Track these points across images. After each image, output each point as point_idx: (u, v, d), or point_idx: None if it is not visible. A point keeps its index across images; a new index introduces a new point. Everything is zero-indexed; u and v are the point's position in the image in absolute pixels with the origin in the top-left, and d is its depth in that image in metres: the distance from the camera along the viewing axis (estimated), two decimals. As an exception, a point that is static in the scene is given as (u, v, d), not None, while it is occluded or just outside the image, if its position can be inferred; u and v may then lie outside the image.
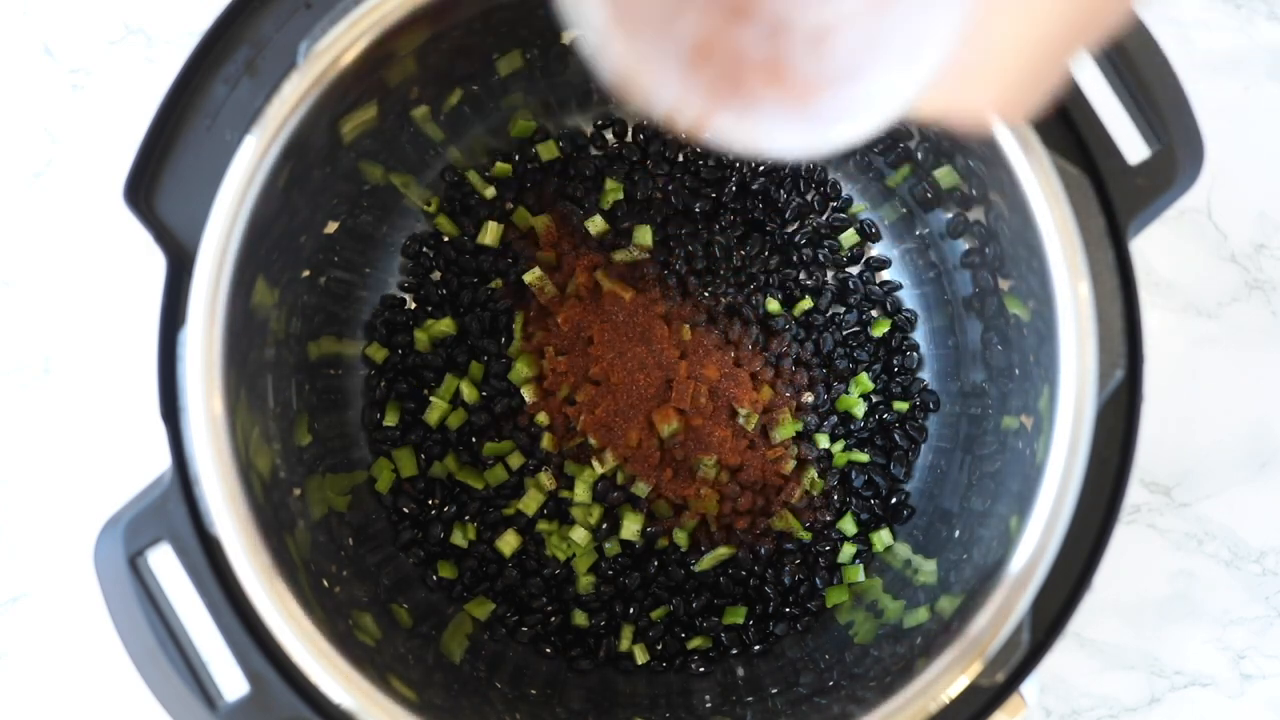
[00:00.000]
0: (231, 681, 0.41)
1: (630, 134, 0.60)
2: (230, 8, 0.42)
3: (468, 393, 0.57)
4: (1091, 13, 0.24)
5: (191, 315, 0.40)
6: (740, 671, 0.55)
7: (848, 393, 0.58)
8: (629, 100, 0.28)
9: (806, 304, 0.59)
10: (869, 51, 0.26)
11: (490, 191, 0.59)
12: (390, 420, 0.56)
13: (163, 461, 0.41)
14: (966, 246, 0.52)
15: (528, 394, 0.58)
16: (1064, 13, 0.24)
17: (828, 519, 0.58)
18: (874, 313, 0.59)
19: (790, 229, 0.60)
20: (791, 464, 0.58)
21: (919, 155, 0.52)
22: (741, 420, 0.58)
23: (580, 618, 0.56)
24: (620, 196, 0.59)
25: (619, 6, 0.25)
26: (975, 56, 0.25)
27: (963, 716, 0.42)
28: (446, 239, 0.59)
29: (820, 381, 0.59)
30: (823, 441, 0.58)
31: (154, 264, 0.41)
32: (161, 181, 0.42)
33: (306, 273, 0.50)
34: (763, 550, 0.57)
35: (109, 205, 0.61)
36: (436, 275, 0.59)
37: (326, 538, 0.49)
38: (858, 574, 0.57)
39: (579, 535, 0.57)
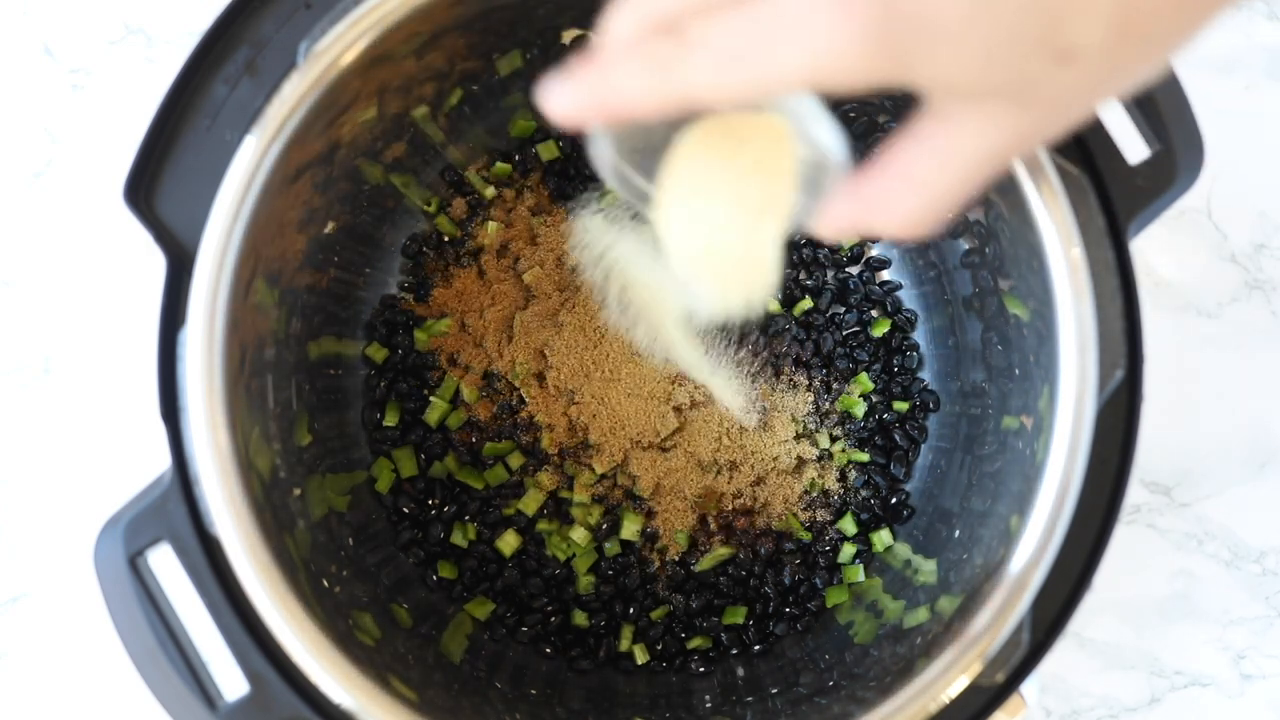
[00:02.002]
0: (231, 681, 0.41)
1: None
2: (230, 8, 0.42)
3: (467, 393, 0.57)
4: (1006, 152, 0.28)
5: (191, 315, 0.40)
6: (740, 671, 0.55)
7: (848, 393, 0.59)
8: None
9: (806, 304, 0.59)
10: None
11: (490, 191, 0.59)
12: (390, 420, 0.56)
13: (163, 461, 0.41)
14: (966, 246, 0.52)
15: (528, 394, 0.58)
16: (982, 155, 0.28)
17: (828, 519, 0.58)
18: (874, 313, 0.59)
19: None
20: (791, 464, 0.58)
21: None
22: (741, 420, 0.58)
23: (580, 618, 0.56)
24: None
25: None
26: (885, 190, 0.29)
27: (963, 716, 0.42)
28: (446, 239, 0.59)
29: (820, 381, 0.59)
30: (823, 441, 0.58)
31: (154, 264, 0.41)
32: (161, 181, 0.42)
33: (306, 273, 0.50)
34: (763, 550, 0.57)
35: (109, 205, 0.61)
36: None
37: (326, 538, 0.49)
38: (858, 574, 0.57)
39: (579, 535, 0.57)
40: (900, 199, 0.29)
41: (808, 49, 0.25)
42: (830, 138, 0.34)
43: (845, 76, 0.25)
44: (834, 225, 0.30)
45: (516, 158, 0.59)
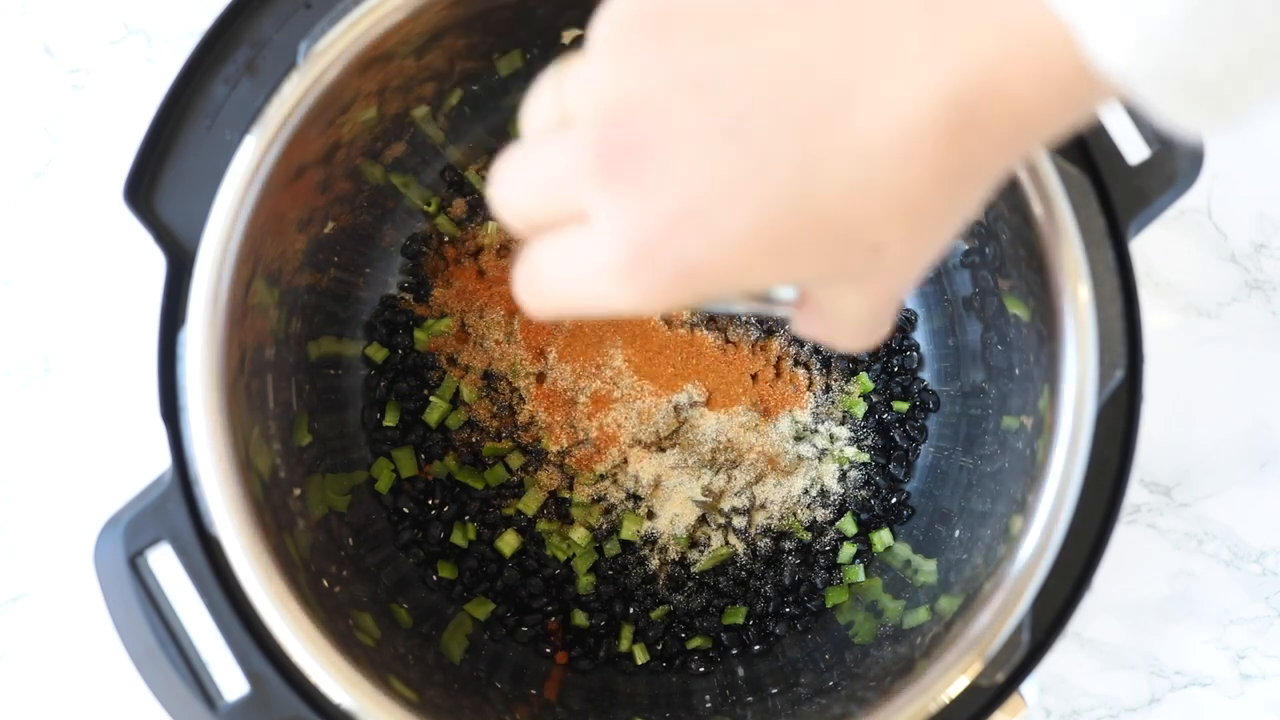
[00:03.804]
0: (231, 681, 0.41)
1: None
2: (230, 8, 0.42)
3: (467, 393, 0.57)
4: (880, 314, 0.29)
5: (191, 315, 0.40)
6: (740, 671, 0.55)
7: (848, 393, 0.59)
8: None
9: (806, 304, 0.59)
10: None
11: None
12: (390, 420, 0.56)
13: (163, 461, 0.41)
14: (966, 246, 0.52)
15: (528, 394, 0.58)
16: (858, 319, 0.30)
17: (828, 519, 0.58)
18: (874, 313, 0.59)
19: (790, 229, 0.60)
20: (791, 463, 0.58)
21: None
22: (741, 420, 0.58)
23: (580, 618, 0.56)
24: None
25: None
26: (813, 329, 0.31)
27: (963, 716, 0.42)
28: (446, 239, 0.59)
29: (820, 381, 0.59)
30: (822, 441, 0.58)
31: (154, 264, 0.41)
32: (161, 181, 0.42)
33: (306, 273, 0.50)
34: (763, 550, 0.57)
35: (109, 205, 0.61)
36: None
37: (326, 538, 0.49)
38: (858, 574, 0.57)
39: (579, 535, 0.57)
40: (829, 338, 0.31)
41: (618, 301, 0.26)
42: None
43: (657, 310, 0.27)
44: (801, 333, 0.32)
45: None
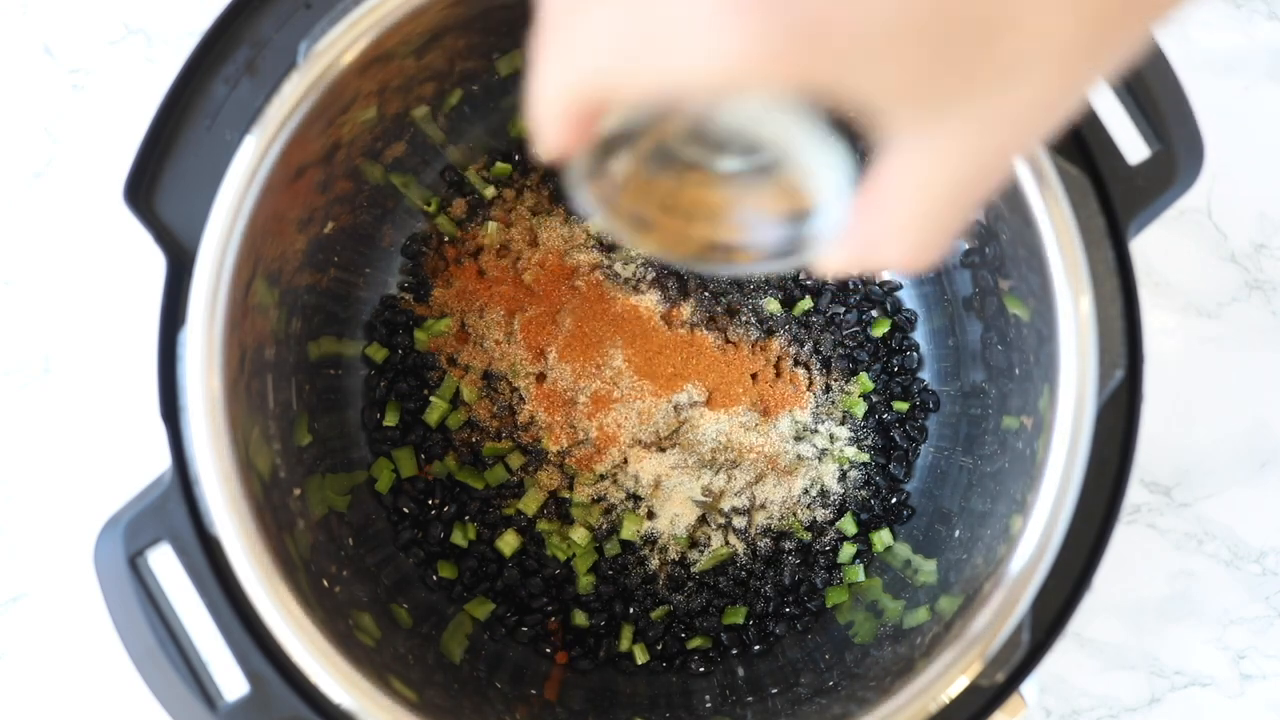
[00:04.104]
0: (231, 681, 0.41)
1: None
2: (230, 8, 0.42)
3: (467, 393, 0.57)
4: (979, 177, 0.25)
5: (191, 315, 0.40)
6: (740, 671, 0.55)
7: (848, 393, 0.59)
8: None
9: (806, 304, 0.59)
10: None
11: (490, 191, 0.59)
12: (390, 420, 0.56)
13: (163, 461, 0.41)
14: (966, 246, 0.52)
15: (528, 394, 0.58)
16: (951, 185, 0.25)
17: (828, 519, 0.58)
18: (874, 313, 0.59)
19: (790, 229, 0.60)
20: (791, 463, 0.58)
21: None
22: (741, 420, 0.58)
23: (580, 618, 0.56)
24: (620, 196, 0.59)
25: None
26: (874, 230, 0.26)
27: (963, 716, 0.42)
28: (446, 239, 0.59)
29: (820, 381, 0.59)
30: (822, 441, 0.58)
31: (154, 264, 0.41)
32: (161, 181, 0.42)
33: (306, 273, 0.50)
34: (763, 550, 0.57)
35: (109, 205, 0.61)
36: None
37: (326, 538, 0.49)
38: (858, 574, 0.57)
39: (579, 535, 0.57)
40: (889, 243, 0.26)
41: (707, 53, 0.22)
42: (832, 172, 0.32)
43: (759, 82, 0.22)
44: (835, 267, 0.28)
45: (516, 158, 0.59)
